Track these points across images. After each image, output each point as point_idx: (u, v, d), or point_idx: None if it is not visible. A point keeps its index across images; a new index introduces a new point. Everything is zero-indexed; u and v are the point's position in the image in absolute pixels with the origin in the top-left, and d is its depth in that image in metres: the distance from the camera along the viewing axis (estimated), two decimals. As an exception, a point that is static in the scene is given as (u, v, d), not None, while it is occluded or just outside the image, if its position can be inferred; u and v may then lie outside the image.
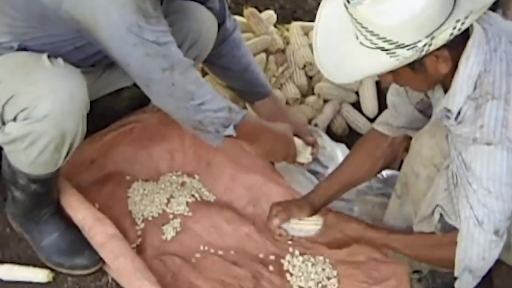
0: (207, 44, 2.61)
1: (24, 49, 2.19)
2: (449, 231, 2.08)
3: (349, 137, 3.08)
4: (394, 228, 2.45)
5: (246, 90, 2.71)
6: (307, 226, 2.38)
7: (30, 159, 2.16)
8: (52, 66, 2.13)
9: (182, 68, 2.16)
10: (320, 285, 2.48)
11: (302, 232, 2.38)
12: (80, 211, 2.43)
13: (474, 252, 2.00)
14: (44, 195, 2.34)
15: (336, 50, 1.94)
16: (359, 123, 3.17)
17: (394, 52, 1.80)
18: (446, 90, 1.99)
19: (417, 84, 2.02)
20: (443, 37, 1.78)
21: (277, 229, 2.40)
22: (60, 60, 2.16)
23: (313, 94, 3.24)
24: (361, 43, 1.86)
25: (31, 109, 2.06)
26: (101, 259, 2.38)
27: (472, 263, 2.02)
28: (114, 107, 2.72)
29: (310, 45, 3.30)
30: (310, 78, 3.29)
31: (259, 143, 2.49)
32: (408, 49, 1.79)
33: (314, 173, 2.78)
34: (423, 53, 1.80)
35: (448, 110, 1.97)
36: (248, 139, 2.51)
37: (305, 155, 2.62)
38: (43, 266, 2.40)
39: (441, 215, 2.11)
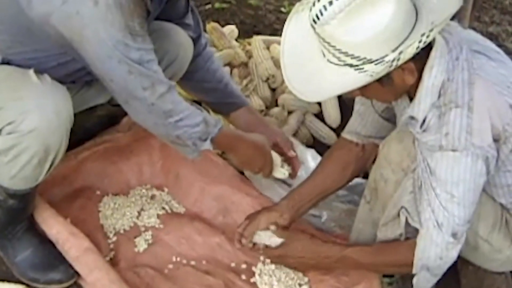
0: (183, 65, 2.65)
1: (8, 63, 2.21)
2: (412, 237, 2.16)
3: (313, 147, 3.11)
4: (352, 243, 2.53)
5: (221, 102, 2.74)
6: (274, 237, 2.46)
7: (12, 173, 2.16)
8: (40, 82, 2.14)
9: (162, 88, 2.19)
10: (292, 291, 2.52)
11: (267, 241, 2.46)
12: (54, 225, 2.43)
13: (432, 252, 2.08)
14: (20, 211, 2.34)
15: (305, 69, 1.99)
16: (323, 133, 3.24)
17: (362, 68, 1.86)
18: (411, 99, 2.06)
19: (384, 96, 2.09)
20: (410, 51, 1.85)
21: (243, 239, 2.47)
22: (46, 76, 2.17)
23: (277, 105, 3.31)
24: (328, 60, 1.92)
25: (17, 123, 2.07)
26: (76, 272, 2.38)
27: (430, 262, 2.10)
28: (85, 124, 2.73)
29: (272, 58, 3.38)
30: (273, 90, 3.37)
31: (236, 153, 2.53)
32: (376, 64, 1.85)
33: (283, 181, 2.81)
34: (392, 67, 1.86)
35: (413, 118, 2.04)
36: (226, 150, 2.57)
37: (282, 171, 2.64)
38: (18, 281, 2.39)
39: (406, 219, 2.18)
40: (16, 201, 2.29)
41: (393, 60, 1.84)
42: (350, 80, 1.89)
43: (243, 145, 2.51)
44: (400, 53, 1.84)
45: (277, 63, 3.32)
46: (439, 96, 1.98)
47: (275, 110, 3.26)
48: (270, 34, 3.79)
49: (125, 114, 2.42)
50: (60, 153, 2.20)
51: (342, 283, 2.52)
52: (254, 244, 2.48)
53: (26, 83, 2.14)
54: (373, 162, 2.46)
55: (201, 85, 2.75)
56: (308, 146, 3.15)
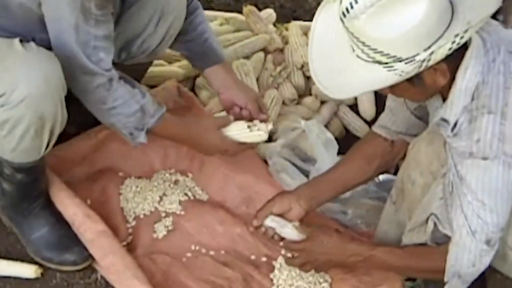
0: (177, 16, 2.57)
1: None
2: (440, 243, 2.10)
3: (345, 139, 3.07)
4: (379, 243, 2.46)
5: (197, 56, 2.67)
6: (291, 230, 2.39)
7: (12, 146, 2.14)
8: (25, 50, 2.11)
9: (101, 79, 2.20)
10: (312, 288, 2.47)
11: (278, 228, 2.39)
12: (70, 207, 2.41)
13: (465, 259, 2.02)
14: (31, 185, 2.33)
15: (332, 63, 1.93)
16: (356, 125, 3.17)
17: (392, 66, 1.80)
18: (444, 99, 1.99)
19: (414, 95, 2.02)
20: (442, 52, 1.77)
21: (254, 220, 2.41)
22: (32, 43, 2.14)
23: (310, 94, 3.24)
24: (357, 56, 1.86)
25: (8, 95, 2.05)
26: (90, 256, 2.37)
27: (462, 269, 2.04)
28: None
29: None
30: (307, 78, 3.28)
31: (184, 143, 2.57)
32: (406, 63, 1.78)
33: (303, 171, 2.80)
34: (422, 68, 1.79)
35: (445, 120, 1.97)
36: (170, 139, 2.55)
37: (251, 135, 2.55)
38: (31, 261, 2.38)
39: (435, 224, 2.11)
40: (24, 175, 2.28)
41: (423, 61, 1.77)
42: (379, 78, 1.82)
43: (186, 134, 2.49)
44: (431, 53, 1.76)
45: (313, 51, 3.24)
46: (472, 99, 1.91)
47: (308, 99, 3.19)
48: (310, 20, 3.66)
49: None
50: (58, 122, 2.16)
51: (363, 283, 2.48)
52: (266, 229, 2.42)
53: (12, 53, 2.11)
54: (403, 159, 2.40)
55: (181, 37, 2.66)
56: (340, 138, 3.09)
